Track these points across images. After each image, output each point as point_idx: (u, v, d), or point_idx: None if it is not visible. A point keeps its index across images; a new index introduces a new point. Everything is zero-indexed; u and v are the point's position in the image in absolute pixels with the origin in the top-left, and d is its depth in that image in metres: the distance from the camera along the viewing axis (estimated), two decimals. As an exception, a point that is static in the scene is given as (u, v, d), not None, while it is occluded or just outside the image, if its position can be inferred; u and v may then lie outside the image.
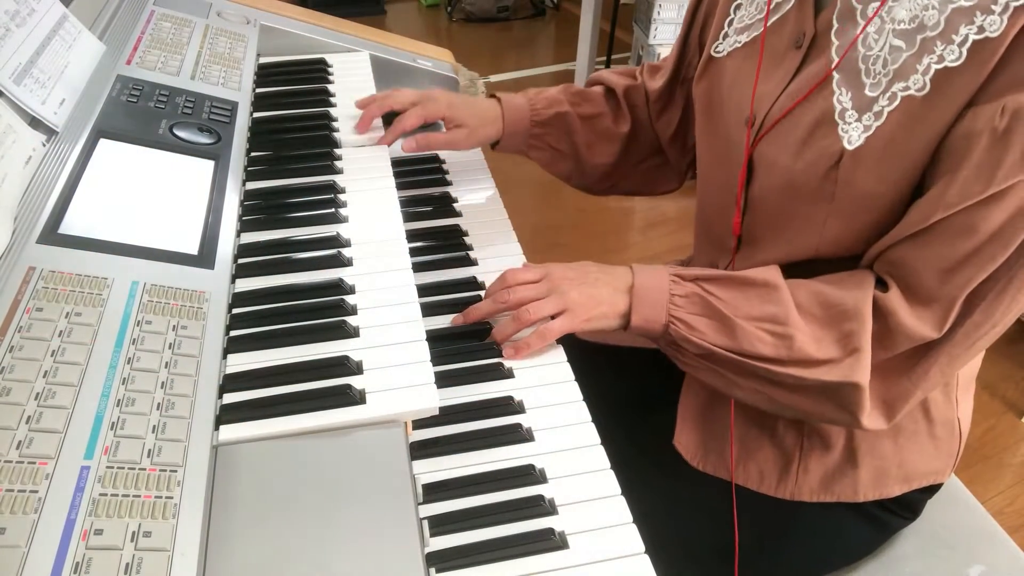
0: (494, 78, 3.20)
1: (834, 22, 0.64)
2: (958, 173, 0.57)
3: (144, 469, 0.47)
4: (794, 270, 0.69)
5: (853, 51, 0.62)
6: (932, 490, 0.81)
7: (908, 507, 0.80)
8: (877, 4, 0.61)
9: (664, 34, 2.60)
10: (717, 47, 0.77)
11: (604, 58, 3.27)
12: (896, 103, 0.59)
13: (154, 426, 0.50)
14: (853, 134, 0.62)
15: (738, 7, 0.76)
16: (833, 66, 0.63)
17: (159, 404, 0.51)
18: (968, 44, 0.55)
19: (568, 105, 0.92)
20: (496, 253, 0.84)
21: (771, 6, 0.71)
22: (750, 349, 0.65)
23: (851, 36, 0.63)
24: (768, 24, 0.71)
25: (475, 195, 0.95)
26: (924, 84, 0.58)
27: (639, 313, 0.68)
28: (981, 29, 0.55)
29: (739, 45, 0.75)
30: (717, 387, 0.71)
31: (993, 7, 0.54)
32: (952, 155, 0.58)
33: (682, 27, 0.87)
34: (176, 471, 0.48)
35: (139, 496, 0.46)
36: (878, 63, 0.61)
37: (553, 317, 0.69)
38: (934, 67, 0.57)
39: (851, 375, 0.62)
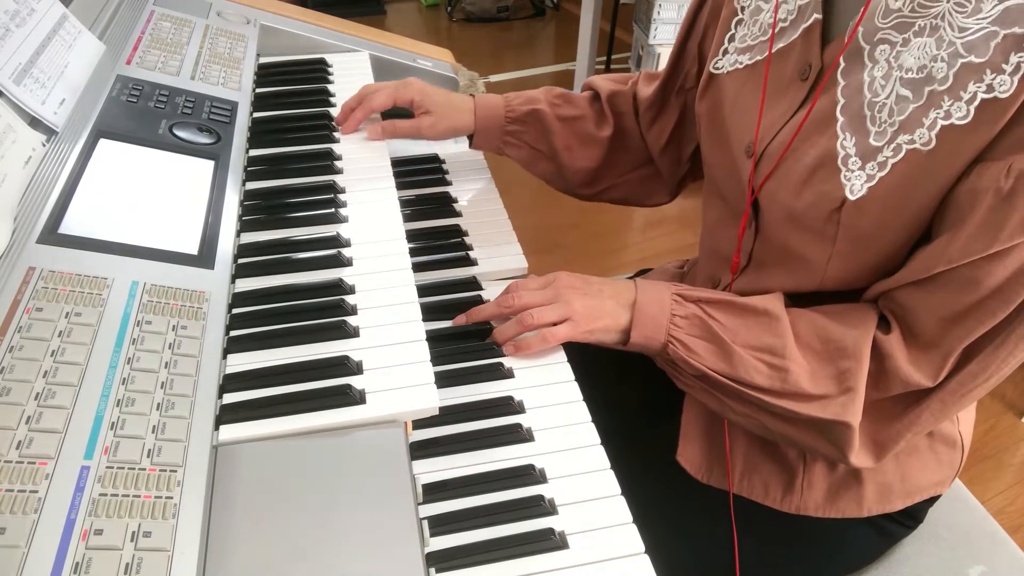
0: (494, 78, 3.20)
1: (841, 61, 0.62)
2: (961, 229, 0.56)
3: (144, 469, 0.47)
4: (799, 298, 0.69)
5: (859, 95, 0.60)
6: (935, 499, 0.81)
7: (912, 516, 0.80)
8: (886, 47, 0.59)
9: (664, 34, 2.60)
10: (717, 63, 0.76)
11: (604, 58, 3.28)
12: (901, 155, 0.58)
13: (154, 426, 0.50)
14: (856, 183, 0.60)
15: (739, 23, 0.74)
16: (838, 109, 0.62)
17: (159, 404, 0.51)
18: (976, 103, 0.53)
19: (545, 104, 0.91)
20: (496, 253, 0.84)
21: (775, 31, 0.68)
22: (745, 377, 0.65)
23: (858, 78, 0.60)
24: (772, 51, 0.69)
25: (475, 195, 0.95)
26: (930, 139, 0.56)
27: (639, 330, 0.68)
28: (990, 88, 0.52)
29: (740, 67, 0.73)
30: (713, 408, 0.72)
31: (1004, 66, 0.52)
32: (956, 209, 0.57)
33: (679, 35, 0.85)
34: (176, 471, 0.48)
35: (139, 496, 0.46)
36: (884, 111, 0.59)
37: (556, 324, 0.69)
38: (940, 123, 0.55)
39: (843, 414, 0.62)
